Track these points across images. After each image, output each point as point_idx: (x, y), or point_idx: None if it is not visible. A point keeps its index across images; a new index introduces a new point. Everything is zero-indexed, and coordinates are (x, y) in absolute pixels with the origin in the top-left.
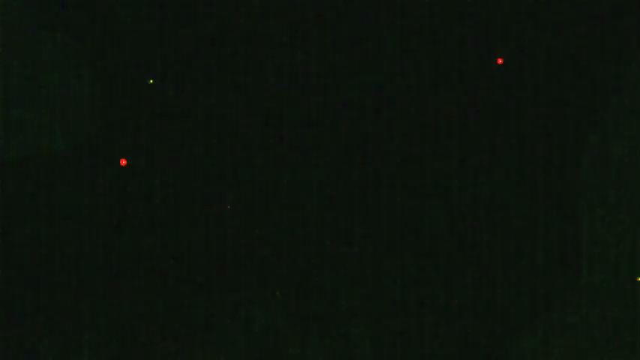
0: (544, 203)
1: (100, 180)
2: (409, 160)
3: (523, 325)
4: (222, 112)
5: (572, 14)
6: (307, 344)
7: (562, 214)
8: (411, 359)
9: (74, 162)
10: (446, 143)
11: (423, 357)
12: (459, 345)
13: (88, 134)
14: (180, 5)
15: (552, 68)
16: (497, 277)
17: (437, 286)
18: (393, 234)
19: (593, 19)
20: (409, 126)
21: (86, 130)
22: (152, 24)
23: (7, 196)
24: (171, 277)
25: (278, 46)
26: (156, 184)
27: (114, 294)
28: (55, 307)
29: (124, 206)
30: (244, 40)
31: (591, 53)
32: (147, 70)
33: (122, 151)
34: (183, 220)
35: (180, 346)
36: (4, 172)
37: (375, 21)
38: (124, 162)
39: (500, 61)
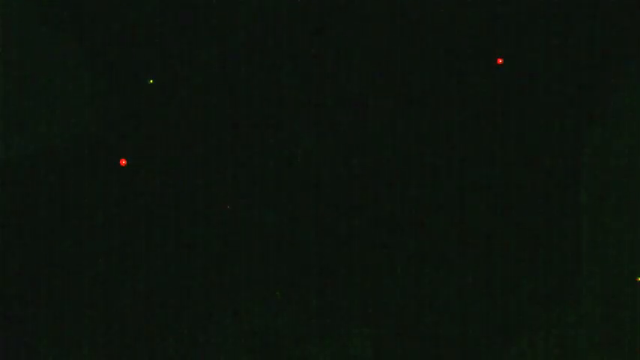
0: (544, 203)
1: (100, 180)
2: (409, 160)
3: (523, 325)
4: (222, 112)
5: (572, 14)
6: (307, 344)
7: (562, 214)
8: (411, 359)
9: (74, 162)
10: (446, 143)
11: (423, 357)
12: (459, 345)
13: (88, 134)
14: (180, 5)
15: (552, 68)
16: (497, 277)
17: (437, 286)
18: (393, 234)
19: (593, 19)
20: (409, 126)
21: (86, 130)
22: (152, 24)
23: (7, 196)
24: (172, 277)
25: (278, 46)
26: (156, 183)
27: (114, 294)
28: (54, 306)
29: (124, 206)
30: (244, 40)
31: (591, 53)
32: (147, 70)
33: (122, 151)
34: (183, 220)
35: (180, 346)
36: (4, 172)
37: (374, 21)
38: (124, 162)
39: (500, 61)
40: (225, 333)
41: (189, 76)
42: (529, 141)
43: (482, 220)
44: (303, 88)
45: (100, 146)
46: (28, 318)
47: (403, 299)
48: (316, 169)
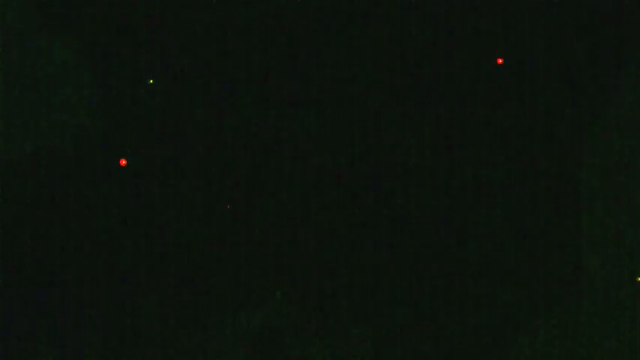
0: (544, 202)
1: (100, 180)
2: (409, 159)
3: (523, 325)
4: (222, 111)
5: (572, 14)
6: (307, 344)
7: (562, 214)
8: (411, 359)
9: (74, 162)
10: (446, 143)
11: (423, 357)
12: (459, 345)
13: (88, 134)
14: (180, 5)
15: (552, 68)
16: (497, 276)
17: (437, 286)
18: (393, 233)
19: (593, 19)
20: (409, 126)
21: (86, 130)
22: (152, 24)
23: (7, 196)
24: (172, 277)
25: (278, 46)
26: (156, 183)
27: (114, 294)
28: (55, 307)
29: (124, 206)
30: (244, 40)
31: (591, 53)
32: (147, 70)
33: (122, 151)
34: (184, 220)
35: (180, 346)
36: (4, 172)
37: (374, 21)
38: (124, 162)
39: (500, 61)
40: (225, 333)
41: (189, 76)
42: (529, 141)
43: (483, 220)
44: (303, 88)
45: (100, 146)
46: (28, 318)
47: (403, 299)
48: (316, 169)
